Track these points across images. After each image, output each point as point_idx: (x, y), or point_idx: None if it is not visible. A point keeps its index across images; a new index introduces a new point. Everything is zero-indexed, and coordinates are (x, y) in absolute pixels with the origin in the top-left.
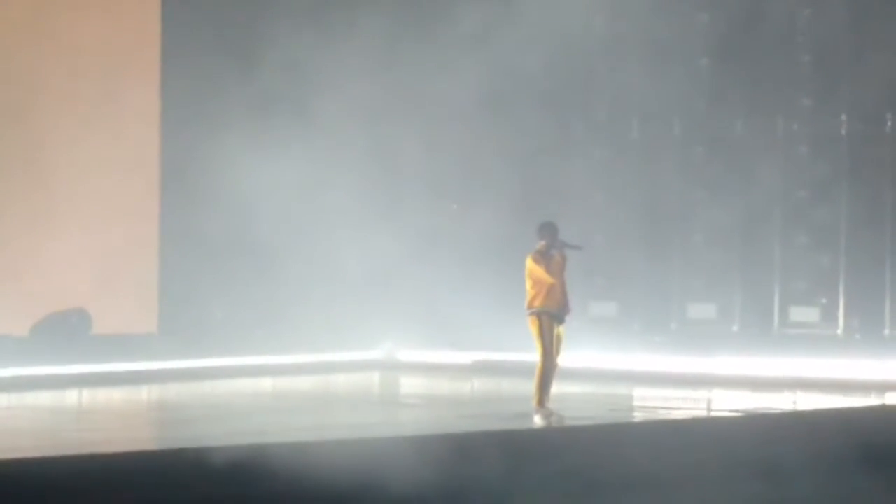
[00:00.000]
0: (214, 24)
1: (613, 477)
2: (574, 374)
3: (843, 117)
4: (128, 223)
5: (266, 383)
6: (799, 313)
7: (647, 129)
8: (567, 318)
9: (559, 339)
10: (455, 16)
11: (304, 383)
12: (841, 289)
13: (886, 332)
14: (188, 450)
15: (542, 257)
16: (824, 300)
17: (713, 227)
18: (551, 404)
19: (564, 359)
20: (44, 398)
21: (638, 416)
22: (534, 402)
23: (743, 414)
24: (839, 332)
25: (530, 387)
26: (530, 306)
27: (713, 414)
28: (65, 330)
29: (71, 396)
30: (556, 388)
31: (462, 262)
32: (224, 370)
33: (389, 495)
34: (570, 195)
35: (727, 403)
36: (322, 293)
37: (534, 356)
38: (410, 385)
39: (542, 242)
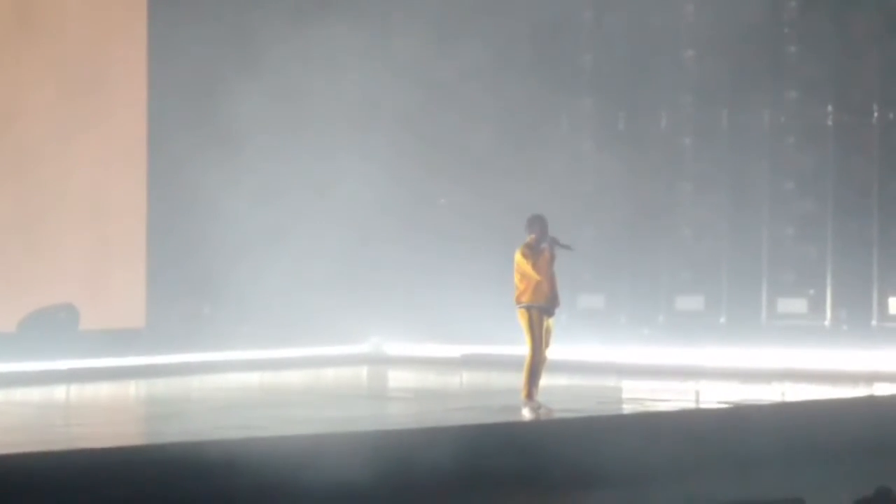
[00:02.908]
0: (202, 18)
1: (602, 469)
2: (562, 367)
3: (830, 109)
4: (115, 218)
5: (254, 378)
6: (786, 304)
7: (634, 122)
8: (556, 312)
9: (549, 331)
10: (443, 7)
11: (293, 378)
12: (828, 280)
13: (874, 322)
14: (176, 444)
15: (531, 251)
16: (812, 291)
17: (700, 219)
18: (540, 397)
19: (553, 351)
20: (32, 394)
21: (626, 409)
22: (522, 395)
23: (731, 405)
24: (827, 323)
25: (519, 379)
26: (519, 300)
27: (701, 406)
28: (53, 325)
29: (59, 392)
30: (544, 380)
31: (451, 256)
32: (212, 365)
33: (378, 489)
34: (557, 188)
35: (715, 395)
36: (309, 288)
37: (522, 349)
38: (399, 379)
39: (532, 236)
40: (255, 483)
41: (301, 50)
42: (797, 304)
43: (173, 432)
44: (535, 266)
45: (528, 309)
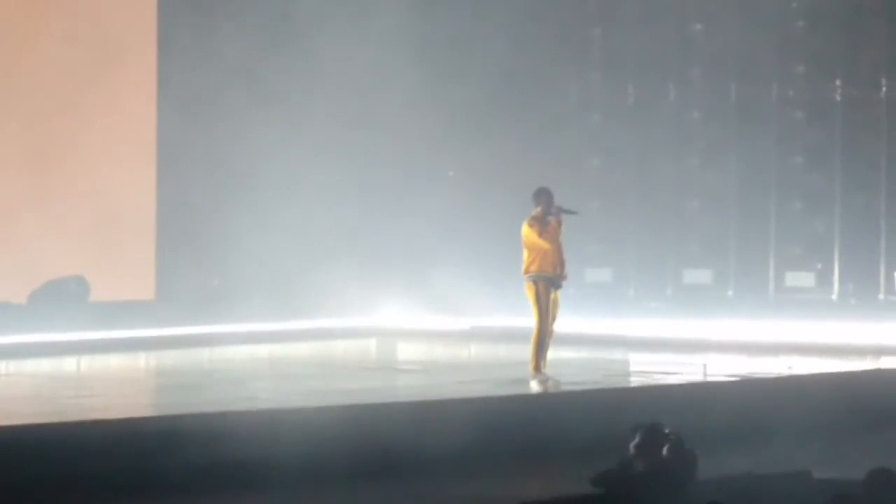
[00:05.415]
0: None
1: (609, 441)
2: (570, 340)
3: (838, 83)
4: (125, 190)
5: (263, 350)
6: (794, 278)
7: (643, 95)
8: (563, 284)
9: (555, 304)
10: None
11: (302, 350)
12: (836, 254)
13: (881, 296)
14: (186, 416)
15: (538, 223)
16: (819, 265)
17: (708, 192)
18: (548, 370)
19: (560, 324)
20: (42, 365)
21: (634, 382)
22: (530, 368)
23: (738, 378)
24: (834, 296)
25: (527, 352)
26: (527, 271)
27: (709, 379)
28: (63, 297)
29: (69, 363)
30: (551, 353)
31: (459, 228)
32: (222, 337)
33: (386, 461)
34: (565, 161)
35: (723, 368)
36: (319, 260)
37: (530, 322)
38: (407, 351)
39: (538, 209)
40: (263, 455)
41: (310, 21)
42: (805, 278)
43: (183, 404)
44: (541, 234)
45: (535, 281)
